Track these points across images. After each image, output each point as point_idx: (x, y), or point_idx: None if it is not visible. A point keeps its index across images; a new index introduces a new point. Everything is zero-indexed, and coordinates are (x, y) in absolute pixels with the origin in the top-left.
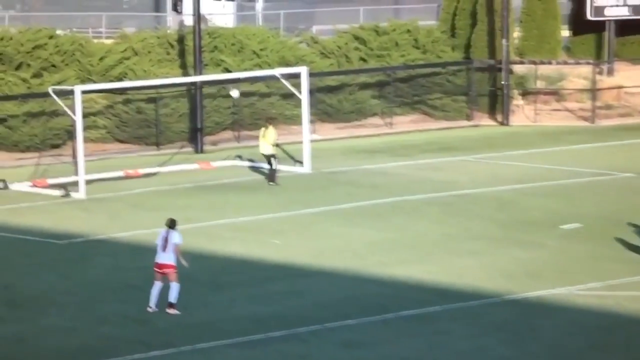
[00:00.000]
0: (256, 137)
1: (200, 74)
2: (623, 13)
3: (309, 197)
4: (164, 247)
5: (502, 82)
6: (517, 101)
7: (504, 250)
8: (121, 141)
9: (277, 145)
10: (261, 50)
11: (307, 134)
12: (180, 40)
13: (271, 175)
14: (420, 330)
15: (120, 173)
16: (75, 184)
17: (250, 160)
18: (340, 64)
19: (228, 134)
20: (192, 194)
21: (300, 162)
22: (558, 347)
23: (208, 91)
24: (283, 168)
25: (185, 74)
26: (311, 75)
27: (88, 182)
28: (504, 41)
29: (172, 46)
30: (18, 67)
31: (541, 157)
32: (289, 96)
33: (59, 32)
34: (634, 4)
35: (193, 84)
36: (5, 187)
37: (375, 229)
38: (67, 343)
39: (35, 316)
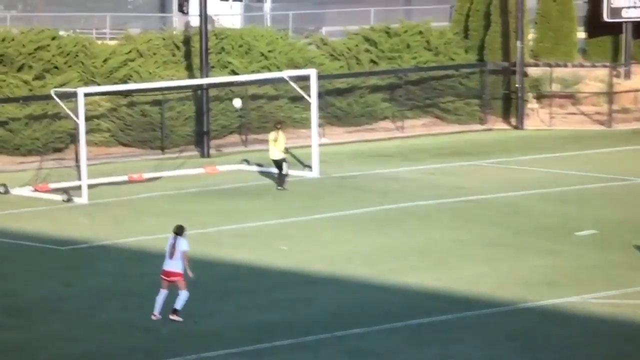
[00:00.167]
0: (263, 141)
1: (207, 76)
2: None
3: (317, 202)
4: (172, 255)
5: (516, 85)
6: (532, 104)
7: (518, 258)
8: (125, 145)
9: (285, 150)
10: (269, 52)
11: (316, 138)
12: (186, 41)
13: (281, 180)
14: (432, 339)
15: (124, 177)
16: (77, 188)
17: (258, 165)
18: (350, 66)
19: (235, 137)
20: (197, 199)
21: (309, 167)
22: (573, 356)
23: (214, 94)
24: (291, 173)
25: (191, 76)
26: (320, 77)
27: (91, 186)
28: (518, 43)
29: (177, 48)
30: (20, 69)
31: (556, 162)
32: (297, 99)
33: (61, 33)
34: None
35: (199, 86)
36: (6, 192)
37: (386, 235)
38: (68, 351)
39: (36, 324)
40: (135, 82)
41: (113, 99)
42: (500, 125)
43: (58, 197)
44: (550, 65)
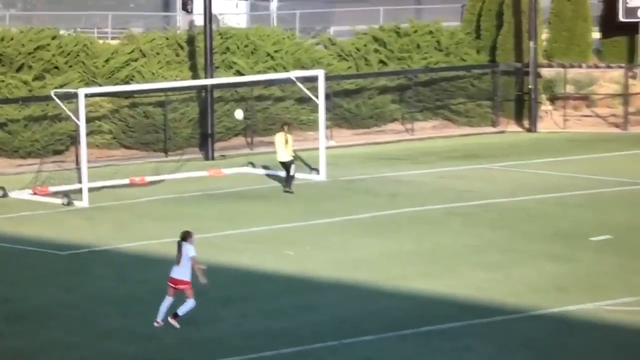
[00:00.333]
0: (269, 144)
1: (211, 76)
2: None
3: (324, 206)
4: (179, 261)
5: (529, 87)
6: (545, 106)
7: (531, 263)
8: (127, 147)
9: (293, 152)
10: (275, 52)
11: (323, 140)
12: (190, 41)
13: (288, 182)
14: (441, 347)
15: (126, 180)
16: (78, 191)
17: (263, 168)
18: (359, 66)
19: (240, 140)
20: (201, 203)
21: (316, 170)
22: None
23: (219, 95)
24: (298, 176)
25: (196, 77)
26: (328, 78)
27: (92, 190)
28: (531, 43)
29: (181, 47)
30: (19, 69)
31: (570, 166)
32: (304, 100)
33: (62, 32)
34: None
35: (203, 87)
36: (5, 195)
37: (395, 240)
38: (68, 359)
39: (35, 330)
40: (137, 82)
41: (115, 100)
42: (513, 127)
43: (58, 201)
44: (564, 66)
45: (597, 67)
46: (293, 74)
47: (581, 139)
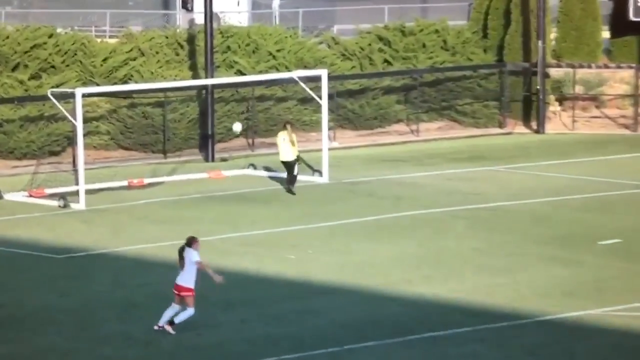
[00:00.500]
0: (271, 145)
1: (212, 76)
2: None
3: (327, 209)
4: (182, 267)
5: (537, 87)
6: (554, 107)
7: (538, 268)
8: (125, 148)
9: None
10: (278, 51)
11: (326, 142)
12: (191, 40)
13: (292, 181)
14: (447, 353)
15: (124, 182)
16: (75, 194)
17: (265, 170)
18: (363, 66)
19: (241, 141)
20: (201, 206)
21: (319, 172)
22: None
23: (220, 95)
24: (300, 178)
25: (196, 77)
26: (331, 78)
27: (89, 192)
28: (539, 43)
29: (181, 46)
30: (15, 68)
31: (579, 168)
32: (307, 101)
33: (59, 30)
34: None
35: (204, 87)
36: (0, 197)
37: (399, 243)
38: None
39: (31, 336)
40: (136, 82)
41: (113, 100)
42: (520, 129)
43: (54, 203)
44: (573, 66)
45: (606, 67)
46: (295, 74)
47: (590, 140)
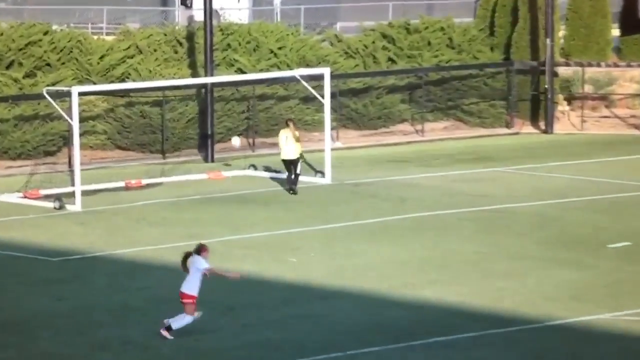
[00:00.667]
0: (272, 145)
1: (212, 74)
2: None
3: (329, 211)
4: (188, 272)
5: (545, 86)
6: (562, 107)
7: (546, 271)
8: (122, 148)
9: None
10: (279, 49)
11: (328, 142)
12: (190, 37)
13: (294, 181)
14: (452, 358)
15: (121, 183)
16: (71, 195)
17: (266, 170)
18: (367, 64)
19: (242, 140)
20: (200, 207)
21: (321, 173)
22: None
23: (219, 94)
24: (302, 179)
25: (195, 75)
26: (334, 77)
27: (85, 193)
28: (547, 41)
29: (180, 44)
30: (9, 66)
31: (588, 169)
32: (309, 100)
33: (54, 27)
34: None
35: (203, 85)
36: None
37: (403, 246)
38: None
39: (25, 341)
40: (134, 80)
41: (110, 99)
42: (528, 129)
43: (49, 205)
44: (582, 65)
45: (616, 65)
46: (297, 72)
47: (599, 141)
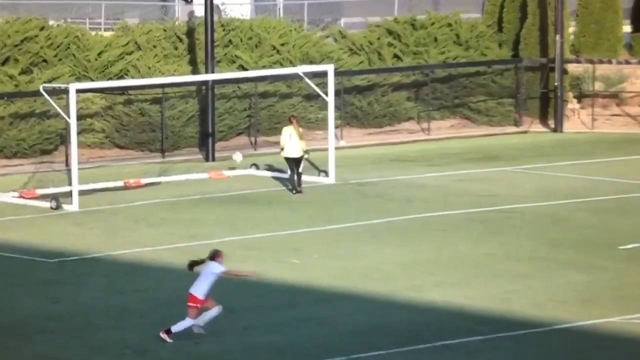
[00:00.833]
0: (274, 144)
1: (212, 71)
2: None
3: (333, 211)
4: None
5: (555, 84)
6: (572, 105)
7: (555, 274)
8: (121, 147)
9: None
10: (282, 45)
11: (332, 141)
12: (190, 33)
13: (298, 180)
14: None
15: (120, 183)
16: (68, 194)
17: (268, 170)
18: (372, 61)
19: (243, 139)
20: (200, 207)
21: (325, 172)
22: None
23: (221, 91)
24: (306, 178)
25: (195, 72)
26: (338, 74)
27: (82, 192)
28: (557, 37)
29: (180, 40)
30: (5, 63)
31: (598, 169)
32: (312, 98)
33: (51, 22)
34: None
35: (204, 83)
36: None
37: (409, 248)
38: None
39: (21, 344)
40: (132, 77)
41: (108, 96)
42: (537, 127)
43: (46, 204)
44: (592, 62)
45: (628, 62)
46: (300, 69)
47: (610, 140)
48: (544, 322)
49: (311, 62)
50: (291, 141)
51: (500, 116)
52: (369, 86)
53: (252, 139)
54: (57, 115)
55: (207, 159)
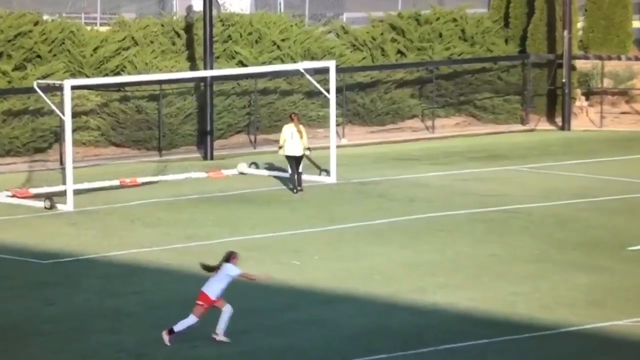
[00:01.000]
0: (274, 142)
1: (211, 68)
2: None
3: (334, 211)
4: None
5: (563, 81)
6: (580, 102)
7: (561, 275)
8: (117, 145)
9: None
10: (282, 41)
11: (334, 139)
12: (188, 28)
13: (299, 180)
14: None
15: (116, 182)
16: (62, 194)
17: (268, 169)
18: (374, 57)
19: (242, 137)
20: (199, 207)
21: (326, 171)
22: None
23: (220, 88)
24: (306, 178)
25: (194, 68)
26: (340, 70)
27: (77, 192)
28: (565, 33)
29: (178, 35)
30: None
31: (606, 168)
32: (314, 95)
33: (45, 17)
34: None
35: (202, 79)
36: None
37: (412, 249)
38: None
39: (14, 348)
40: (129, 73)
41: (104, 93)
42: (544, 125)
43: (40, 204)
44: (601, 58)
45: (637, 59)
46: (301, 65)
47: (619, 138)
48: (550, 325)
49: (312, 58)
50: (293, 139)
51: (506, 114)
52: (371, 83)
53: (252, 137)
54: (52, 112)
55: (205, 158)
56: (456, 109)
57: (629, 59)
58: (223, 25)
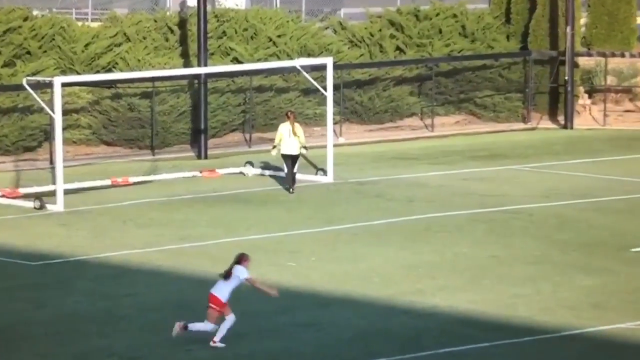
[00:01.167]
0: (270, 140)
1: (205, 64)
2: None
3: (331, 211)
4: (227, 277)
5: (565, 78)
6: (583, 100)
7: (564, 277)
8: (109, 143)
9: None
10: (278, 37)
11: (331, 137)
12: (182, 24)
13: (294, 179)
14: None
15: (107, 182)
16: (52, 194)
17: (263, 168)
18: (373, 54)
19: (237, 136)
20: (193, 207)
21: (323, 170)
22: None
23: (214, 85)
24: (302, 177)
25: (187, 65)
26: (337, 67)
27: (68, 192)
28: (568, 29)
29: (171, 31)
30: None
31: (610, 167)
32: (310, 92)
33: (35, 12)
34: None
35: (196, 76)
36: None
37: (411, 250)
38: None
39: (2, 351)
40: (121, 70)
41: (95, 90)
42: (546, 123)
43: (29, 204)
44: (604, 55)
45: None
46: (298, 62)
47: (623, 136)
48: (552, 328)
49: (309, 55)
50: (290, 138)
51: (507, 112)
52: (369, 80)
53: (247, 135)
54: (41, 110)
55: (199, 157)
56: (456, 107)
57: (632, 55)
58: (217, 21)
